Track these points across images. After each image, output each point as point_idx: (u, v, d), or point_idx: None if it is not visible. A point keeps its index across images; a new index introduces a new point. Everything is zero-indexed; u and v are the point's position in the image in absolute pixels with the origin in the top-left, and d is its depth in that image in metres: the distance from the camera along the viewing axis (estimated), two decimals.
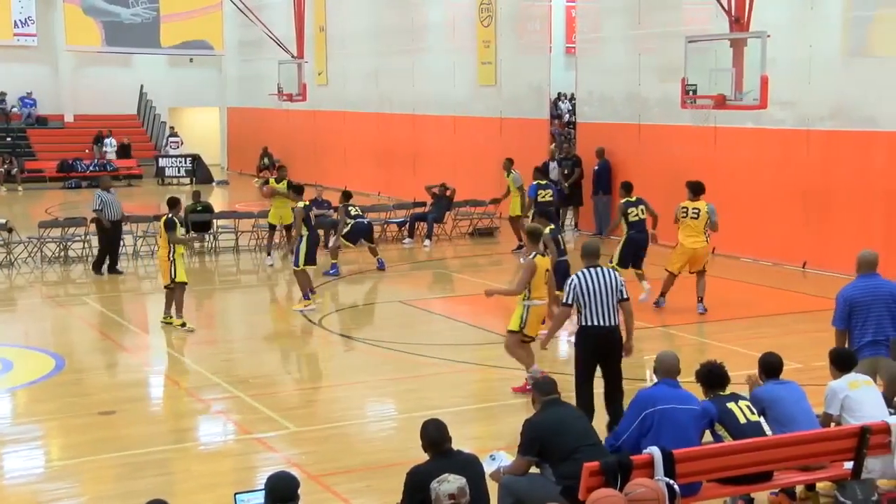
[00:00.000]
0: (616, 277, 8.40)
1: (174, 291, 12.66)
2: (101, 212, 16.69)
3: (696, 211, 13.04)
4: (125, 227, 18.27)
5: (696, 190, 13.15)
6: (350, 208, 17.34)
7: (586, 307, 8.25)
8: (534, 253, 9.63)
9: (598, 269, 8.38)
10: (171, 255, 12.55)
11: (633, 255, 13.78)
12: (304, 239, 13.66)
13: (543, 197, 17.33)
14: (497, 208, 20.72)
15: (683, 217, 13.03)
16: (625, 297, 8.38)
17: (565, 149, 21.89)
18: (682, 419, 6.57)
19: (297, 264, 13.73)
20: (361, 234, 17.18)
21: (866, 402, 6.92)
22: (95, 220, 16.93)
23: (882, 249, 15.33)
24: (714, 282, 13.45)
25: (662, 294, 13.45)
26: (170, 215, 12.79)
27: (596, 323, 8.26)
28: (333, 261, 16.60)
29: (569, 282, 8.40)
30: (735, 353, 11.27)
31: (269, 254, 17.84)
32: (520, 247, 17.77)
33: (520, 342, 9.77)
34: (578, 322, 8.41)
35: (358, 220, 17.11)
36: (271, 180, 18.12)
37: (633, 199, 13.91)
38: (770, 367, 7.16)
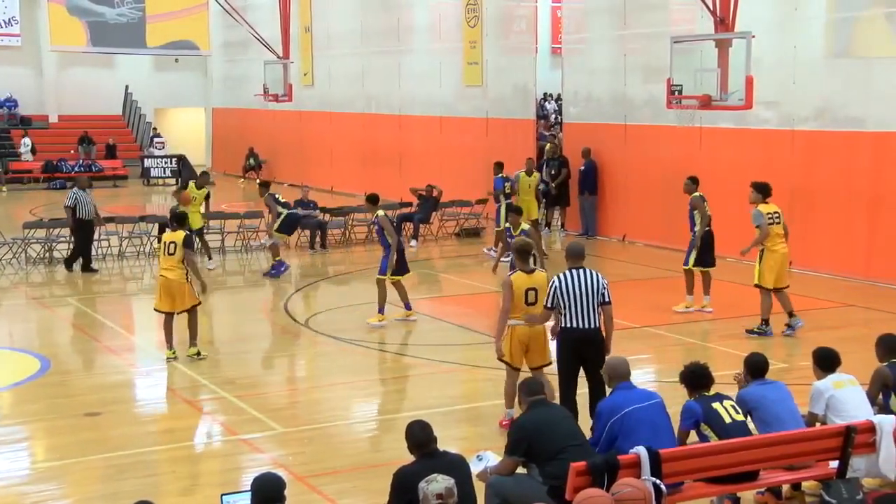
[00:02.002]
0: (599, 280, 8.27)
1: (192, 315, 11.29)
2: (73, 209, 16.67)
3: (778, 215, 12.05)
4: (111, 228, 18.30)
5: (768, 191, 12.11)
6: (277, 196, 17.16)
7: (567, 309, 8.17)
8: (515, 270, 8.80)
9: (582, 270, 8.29)
10: (187, 275, 11.18)
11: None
12: (393, 247, 12.64)
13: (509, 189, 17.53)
14: (484, 209, 20.74)
15: (770, 224, 11.93)
16: (606, 300, 8.25)
17: (551, 149, 21.93)
18: (649, 416, 6.62)
19: (381, 271, 12.78)
20: (293, 225, 17.10)
21: (851, 401, 6.96)
22: (70, 217, 16.92)
23: (865, 249, 15.56)
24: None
25: (791, 313, 12.01)
26: (186, 232, 11.50)
27: (576, 325, 8.19)
28: (276, 258, 16.31)
29: (550, 284, 8.31)
30: (720, 354, 11.32)
31: (209, 258, 17.43)
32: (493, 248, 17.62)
33: (513, 375, 8.71)
34: (560, 324, 8.33)
35: (290, 210, 16.97)
36: (191, 184, 17.83)
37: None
38: (756, 367, 7.19)
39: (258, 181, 17.63)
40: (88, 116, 34.30)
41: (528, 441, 6.40)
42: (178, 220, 11.65)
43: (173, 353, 11.29)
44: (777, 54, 16.02)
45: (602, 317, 8.29)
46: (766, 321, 12.07)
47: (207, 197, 17.97)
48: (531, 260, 8.81)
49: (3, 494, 7.84)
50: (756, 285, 12.11)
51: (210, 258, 17.46)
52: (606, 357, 7.80)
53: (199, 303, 11.35)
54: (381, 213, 12.79)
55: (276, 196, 17.01)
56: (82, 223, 16.80)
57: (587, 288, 8.19)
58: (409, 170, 24.85)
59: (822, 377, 7.17)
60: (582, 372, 8.41)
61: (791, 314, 12.04)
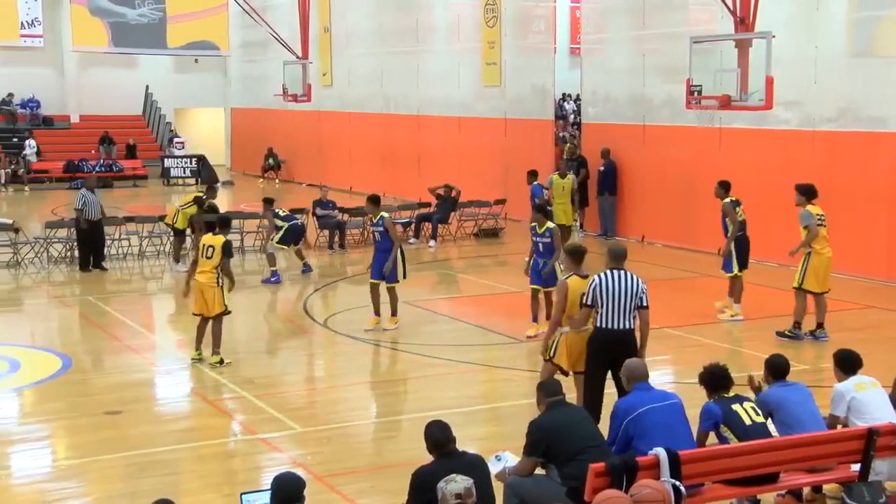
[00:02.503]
0: (638, 283, 8.24)
1: (216, 322, 11.10)
2: (82, 211, 16.79)
3: (824, 217, 11.90)
4: (131, 228, 18.44)
5: (813, 193, 11.92)
6: (278, 211, 17.24)
7: (602, 308, 8.18)
8: (570, 273, 8.79)
9: (622, 272, 8.28)
10: (219, 280, 11.00)
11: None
12: (399, 252, 12.53)
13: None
14: (503, 209, 20.72)
15: (819, 225, 11.75)
16: (644, 304, 8.24)
17: (570, 149, 21.89)
18: (665, 416, 6.57)
19: (395, 280, 12.52)
20: (298, 235, 17.12)
21: (873, 403, 6.91)
22: (74, 218, 17.01)
23: (886, 250, 15.45)
24: (719, 283, 13.41)
25: (820, 325, 11.85)
26: (228, 238, 11.23)
27: (609, 326, 8.19)
28: (272, 268, 16.26)
29: (590, 282, 8.33)
30: (741, 355, 11.28)
31: (177, 261, 17.23)
32: None
33: (551, 372, 8.68)
34: (594, 324, 8.32)
35: (291, 222, 16.99)
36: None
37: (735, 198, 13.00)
38: (777, 368, 7.15)
39: (263, 198, 17.66)
40: (109, 117, 34.52)
41: (546, 442, 6.39)
42: (222, 223, 11.46)
43: (199, 354, 11.23)
44: (798, 54, 15.93)
45: (637, 320, 8.26)
46: (798, 324, 11.90)
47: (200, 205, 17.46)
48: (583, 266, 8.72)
49: (25, 492, 7.91)
50: (796, 287, 11.87)
51: (177, 261, 17.20)
52: (624, 362, 7.70)
53: (228, 311, 11.12)
54: (386, 215, 12.58)
55: (277, 211, 17.07)
56: (90, 224, 16.86)
57: (625, 289, 8.18)
58: (428, 170, 24.87)
59: (843, 379, 7.13)
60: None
61: (820, 325, 11.85)
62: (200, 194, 17.74)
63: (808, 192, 11.93)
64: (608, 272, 8.29)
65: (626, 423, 6.59)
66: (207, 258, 10.94)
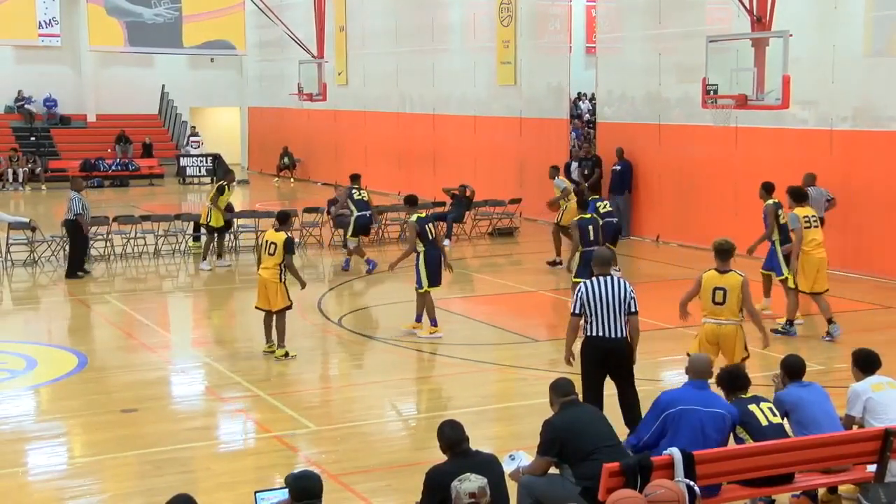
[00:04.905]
0: (626, 289, 8.08)
1: (280, 316, 11.28)
2: (82, 215, 16.37)
3: (815, 218, 12.01)
4: (147, 227, 18.54)
5: (802, 197, 12.12)
6: (354, 191, 17.03)
7: (592, 316, 8.03)
8: (710, 268, 8.81)
9: (608, 278, 8.13)
10: (282, 276, 11.16)
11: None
12: (422, 256, 12.11)
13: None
14: (518, 208, 20.70)
15: (807, 227, 11.86)
16: (633, 310, 8.06)
17: (585, 148, 21.84)
18: (702, 421, 6.53)
19: (419, 285, 12.13)
20: (366, 228, 17.09)
21: (890, 404, 6.86)
22: (73, 222, 16.27)
23: None
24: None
25: (829, 320, 11.85)
26: (289, 234, 11.31)
27: (600, 334, 8.03)
28: (364, 258, 16.59)
29: (576, 290, 8.20)
30: (754, 355, 11.22)
31: (204, 258, 17.18)
32: (554, 262, 16.79)
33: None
34: (584, 332, 8.18)
35: (361, 211, 16.86)
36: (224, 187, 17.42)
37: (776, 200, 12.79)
38: (793, 369, 7.11)
39: (350, 174, 17.63)
40: (126, 115, 34.68)
41: (560, 441, 6.39)
42: (281, 219, 11.49)
43: (270, 347, 11.42)
44: (815, 53, 15.85)
45: (629, 327, 8.11)
46: (790, 322, 12.03)
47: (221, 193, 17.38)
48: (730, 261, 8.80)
49: (42, 489, 7.96)
50: (789, 286, 12.03)
51: (220, 257, 17.35)
52: (691, 355, 7.48)
53: (290, 306, 11.31)
54: (412, 218, 12.27)
55: (353, 192, 17.05)
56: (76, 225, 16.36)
57: (613, 296, 8.02)
58: (443, 169, 24.88)
59: (861, 379, 7.09)
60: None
61: (830, 321, 11.85)
62: (222, 182, 17.81)
63: (795, 196, 12.08)
64: (594, 279, 8.13)
65: (666, 414, 6.56)
66: (270, 254, 11.13)
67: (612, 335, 8.04)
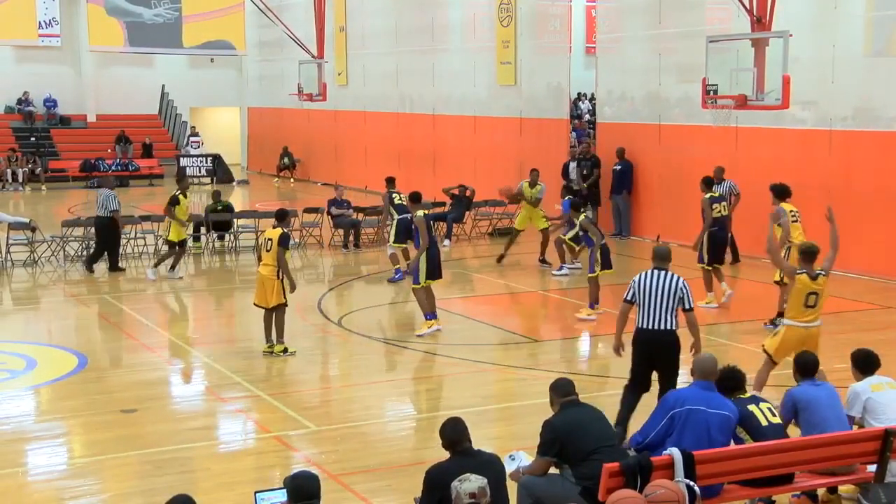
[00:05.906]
0: (679, 284, 8.22)
1: (278, 313, 11.41)
2: (118, 211, 16.70)
3: (796, 213, 12.36)
4: (147, 227, 18.56)
5: (786, 193, 12.45)
6: (394, 196, 15.90)
7: (641, 308, 8.25)
8: (801, 270, 8.84)
9: (663, 272, 8.30)
10: (279, 273, 11.29)
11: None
12: (426, 253, 12.16)
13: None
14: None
15: (793, 221, 12.15)
16: (686, 306, 8.23)
17: (583, 148, 21.84)
18: (707, 422, 6.53)
19: (416, 282, 12.20)
20: (409, 231, 14.64)
21: (889, 404, 6.87)
22: (109, 219, 16.55)
23: None
24: (735, 283, 13.35)
25: (780, 315, 11.72)
26: (285, 230, 11.49)
27: (647, 326, 8.22)
28: (395, 266, 15.73)
29: (632, 280, 8.41)
30: (756, 355, 11.21)
31: (156, 266, 16.49)
32: (542, 260, 16.96)
33: (768, 365, 8.98)
34: (636, 323, 8.38)
35: (401, 215, 15.39)
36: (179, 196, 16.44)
37: (717, 194, 13.76)
38: (805, 366, 7.11)
39: (386, 178, 16.67)
40: (126, 116, 34.69)
41: (560, 441, 6.39)
42: (278, 217, 11.80)
43: (269, 347, 11.48)
44: (815, 53, 15.85)
45: (686, 323, 8.32)
46: (781, 314, 12.04)
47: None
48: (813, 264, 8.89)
49: (43, 489, 7.96)
50: (776, 281, 12.20)
51: (172, 269, 16.42)
52: (697, 355, 7.60)
53: (286, 303, 11.41)
54: (420, 213, 12.31)
55: (393, 196, 15.94)
56: (114, 222, 16.74)
57: (663, 290, 8.19)
58: (443, 169, 24.88)
59: (860, 379, 7.09)
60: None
61: (780, 315, 11.88)
62: (175, 194, 16.57)
63: (778, 192, 12.41)
64: (649, 271, 8.36)
65: (673, 413, 6.59)
66: (267, 251, 11.36)
67: (658, 327, 8.19)
